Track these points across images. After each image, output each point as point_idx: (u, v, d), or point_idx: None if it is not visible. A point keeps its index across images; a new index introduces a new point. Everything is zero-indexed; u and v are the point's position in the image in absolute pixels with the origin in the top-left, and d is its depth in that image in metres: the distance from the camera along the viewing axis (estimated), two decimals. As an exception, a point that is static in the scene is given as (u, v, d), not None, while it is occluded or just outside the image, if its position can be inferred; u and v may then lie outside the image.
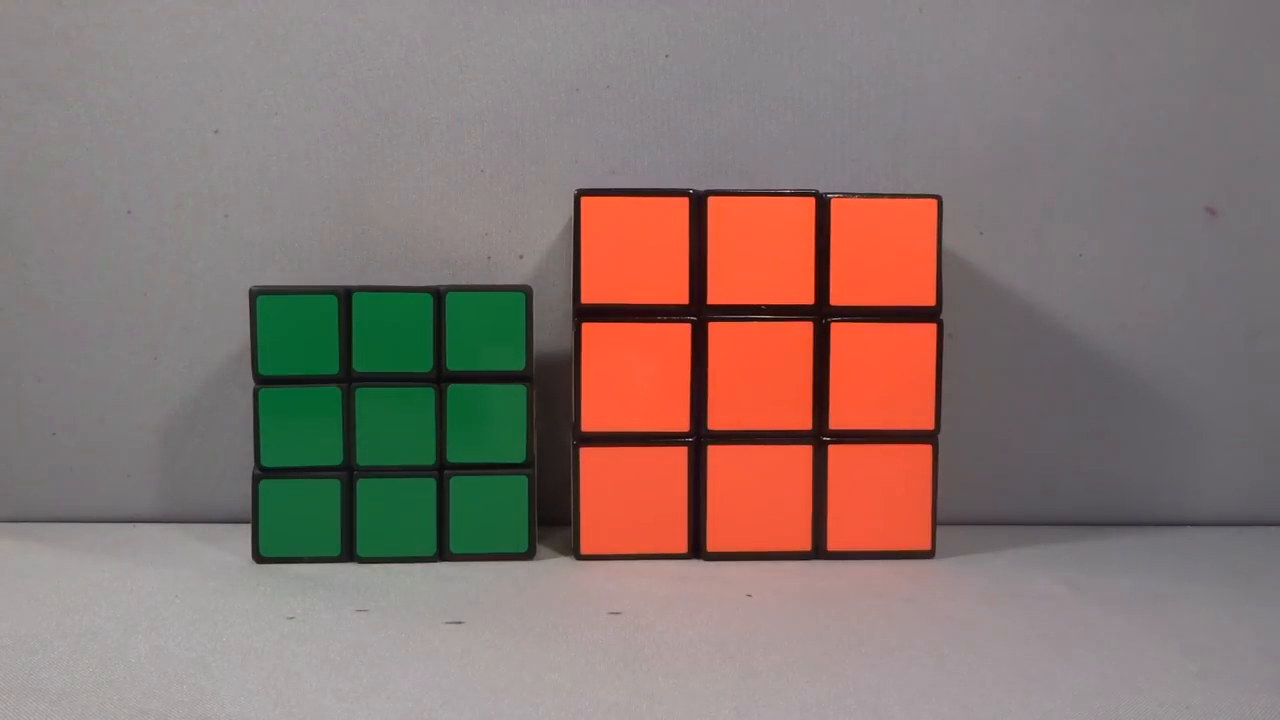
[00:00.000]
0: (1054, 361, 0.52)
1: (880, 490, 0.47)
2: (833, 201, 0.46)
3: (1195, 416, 0.53)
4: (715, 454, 0.46)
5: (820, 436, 0.46)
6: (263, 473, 0.45)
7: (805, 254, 0.46)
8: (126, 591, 0.42)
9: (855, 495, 0.46)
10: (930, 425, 0.47)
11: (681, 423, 0.46)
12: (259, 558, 0.45)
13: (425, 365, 0.45)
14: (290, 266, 0.50)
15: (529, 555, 0.46)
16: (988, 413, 0.52)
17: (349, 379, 0.45)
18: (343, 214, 0.50)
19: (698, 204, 0.46)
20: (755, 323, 0.46)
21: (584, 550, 0.46)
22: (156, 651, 0.36)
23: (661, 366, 0.46)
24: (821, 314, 0.46)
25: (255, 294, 0.45)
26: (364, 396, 0.45)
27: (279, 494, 0.45)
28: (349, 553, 0.46)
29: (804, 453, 0.46)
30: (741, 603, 0.41)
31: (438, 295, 0.45)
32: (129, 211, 0.50)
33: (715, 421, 0.46)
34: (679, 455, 0.46)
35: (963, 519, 0.52)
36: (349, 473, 0.45)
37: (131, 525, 0.51)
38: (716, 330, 0.46)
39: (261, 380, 0.45)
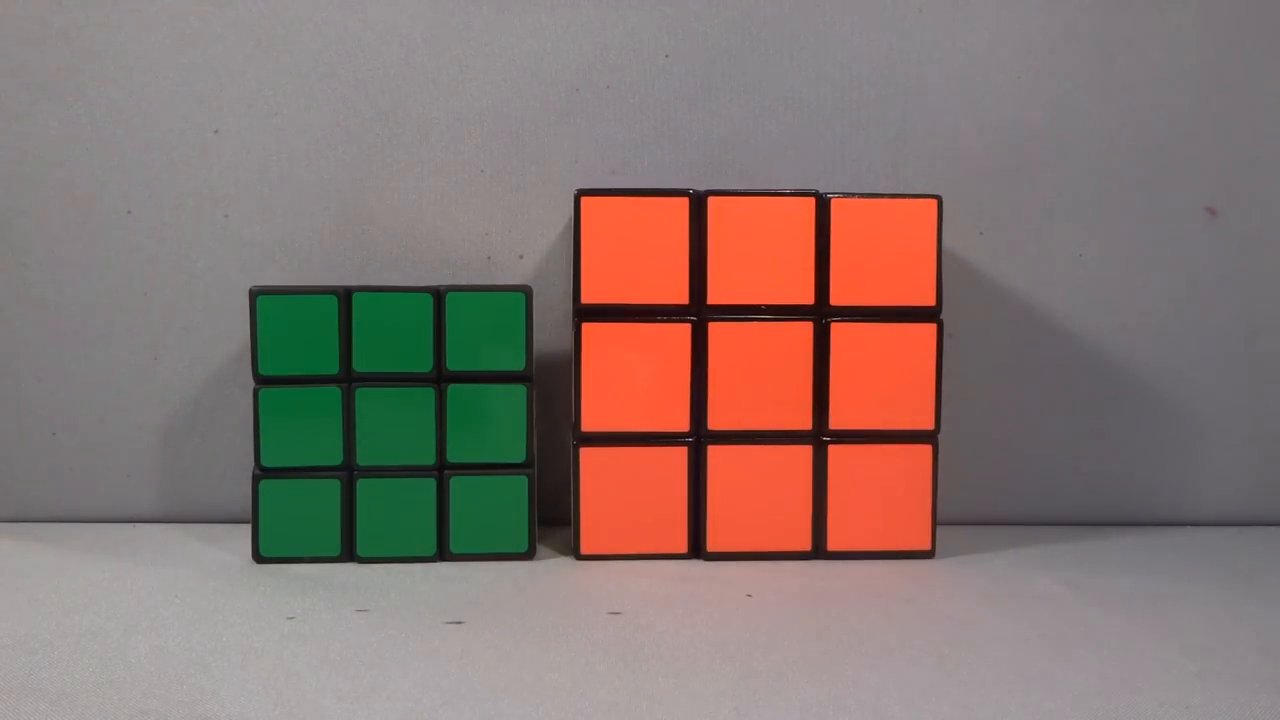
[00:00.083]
0: (1054, 361, 0.52)
1: (880, 490, 0.47)
2: (833, 201, 0.46)
3: (1195, 416, 0.53)
4: (715, 454, 0.46)
5: (820, 436, 0.46)
6: (263, 473, 0.45)
7: (805, 254, 0.46)
8: (126, 591, 0.42)
9: (855, 495, 0.46)
10: (930, 425, 0.47)
11: (681, 423, 0.46)
12: (259, 558, 0.45)
13: (425, 365, 0.45)
14: (290, 266, 0.50)
15: (529, 555, 0.46)
16: (988, 413, 0.52)
17: (349, 379, 0.45)
18: (343, 214, 0.50)
19: (698, 204, 0.46)
20: (755, 323, 0.46)
21: (584, 550, 0.46)
22: (156, 651, 0.36)
23: (661, 366, 0.46)
24: (821, 314, 0.46)
25: (255, 294, 0.45)
26: (364, 396, 0.45)
27: (279, 494, 0.45)
28: (349, 553, 0.46)
29: (804, 453, 0.46)
30: (741, 603, 0.41)
31: (438, 295, 0.45)
32: (129, 211, 0.50)
33: (715, 421, 0.46)
34: (679, 455, 0.46)
35: (963, 519, 0.52)
36: (349, 473, 0.45)
37: (131, 525, 0.51)
38: (716, 330, 0.46)
39: (261, 380, 0.45)
